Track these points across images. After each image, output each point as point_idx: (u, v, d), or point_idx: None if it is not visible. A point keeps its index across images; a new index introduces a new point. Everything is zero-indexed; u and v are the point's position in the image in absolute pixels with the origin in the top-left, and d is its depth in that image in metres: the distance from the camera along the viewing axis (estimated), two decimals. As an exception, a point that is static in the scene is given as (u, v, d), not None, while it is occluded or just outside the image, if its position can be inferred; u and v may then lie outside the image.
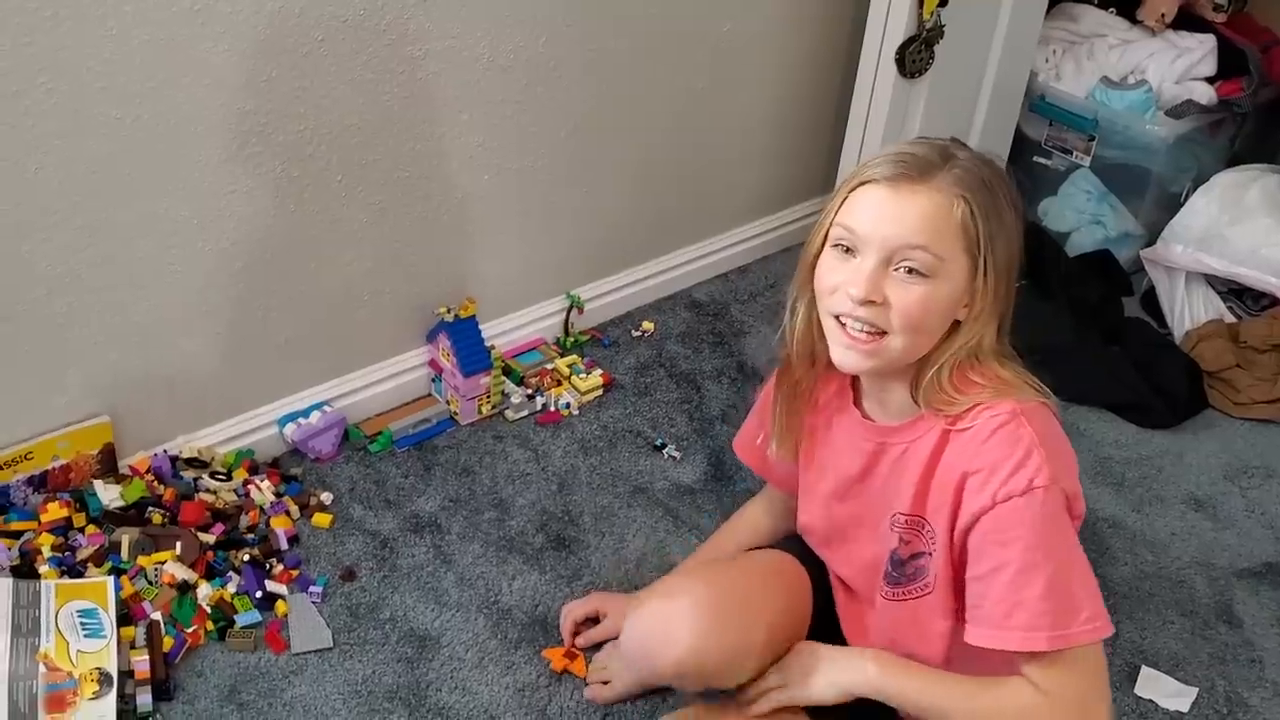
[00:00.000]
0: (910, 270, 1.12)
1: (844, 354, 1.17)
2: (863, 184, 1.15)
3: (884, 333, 1.14)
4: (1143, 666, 1.60)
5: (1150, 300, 2.42)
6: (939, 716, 1.20)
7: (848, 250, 1.15)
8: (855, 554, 1.34)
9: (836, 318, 1.16)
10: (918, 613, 1.24)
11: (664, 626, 1.29)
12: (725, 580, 1.37)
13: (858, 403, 1.29)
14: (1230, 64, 2.46)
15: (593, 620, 1.58)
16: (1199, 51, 2.42)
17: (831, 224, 1.17)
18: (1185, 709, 1.55)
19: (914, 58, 2.16)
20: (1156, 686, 1.58)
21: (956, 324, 1.16)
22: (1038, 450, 1.09)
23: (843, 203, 1.16)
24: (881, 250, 1.12)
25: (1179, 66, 2.42)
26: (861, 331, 1.14)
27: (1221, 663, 1.63)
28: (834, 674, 1.27)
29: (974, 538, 1.13)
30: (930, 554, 1.21)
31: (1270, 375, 2.15)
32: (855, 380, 1.29)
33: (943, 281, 1.12)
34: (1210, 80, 2.44)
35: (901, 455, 1.22)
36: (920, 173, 1.12)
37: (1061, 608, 1.10)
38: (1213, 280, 2.30)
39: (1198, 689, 1.58)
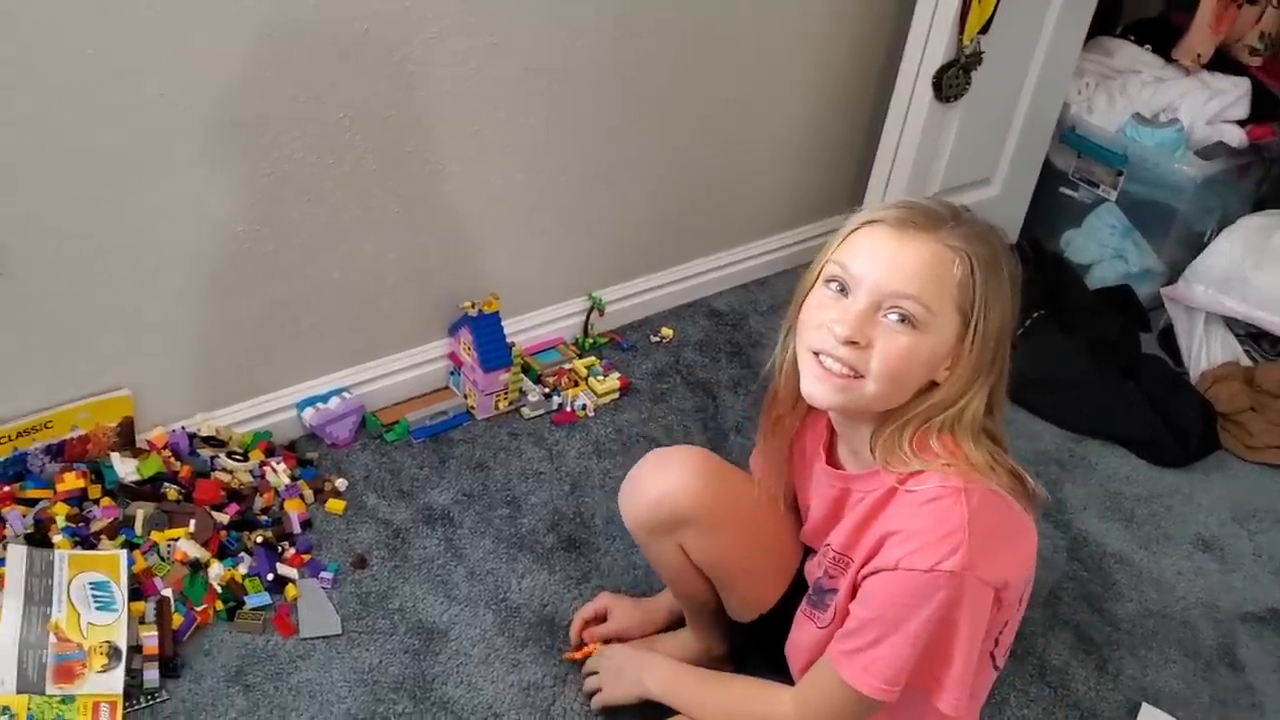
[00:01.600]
0: (900, 318, 1.10)
1: (815, 386, 1.15)
2: (868, 223, 1.14)
3: (860, 375, 1.12)
4: (1143, 704, 1.61)
5: (1168, 338, 2.43)
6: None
7: (841, 289, 1.13)
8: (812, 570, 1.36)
9: (815, 354, 1.14)
10: (818, 639, 1.26)
11: (658, 465, 1.38)
12: (723, 467, 1.40)
13: (832, 452, 1.30)
14: (1263, 108, 2.46)
15: (600, 620, 1.59)
16: (1233, 94, 2.43)
17: (828, 260, 1.16)
18: (1184, 750, 1.56)
19: (951, 82, 2.16)
20: (1157, 725, 1.59)
21: (933, 384, 1.15)
22: (962, 534, 1.07)
23: (845, 239, 1.15)
24: (874, 293, 1.11)
25: (1212, 107, 2.42)
26: (838, 368, 1.13)
27: (1222, 706, 1.64)
28: (636, 673, 1.41)
29: (867, 583, 1.15)
30: (838, 591, 1.22)
31: (1284, 421, 2.16)
32: (833, 433, 1.29)
33: (930, 335, 1.11)
34: (1242, 123, 2.44)
35: (859, 503, 1.21)
36: (927, 221, 1.11)
37: (878, 661, 1.13)
38: (1231, 322, 2.31)
39: (1197, 731, 1.59)
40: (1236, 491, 2.08)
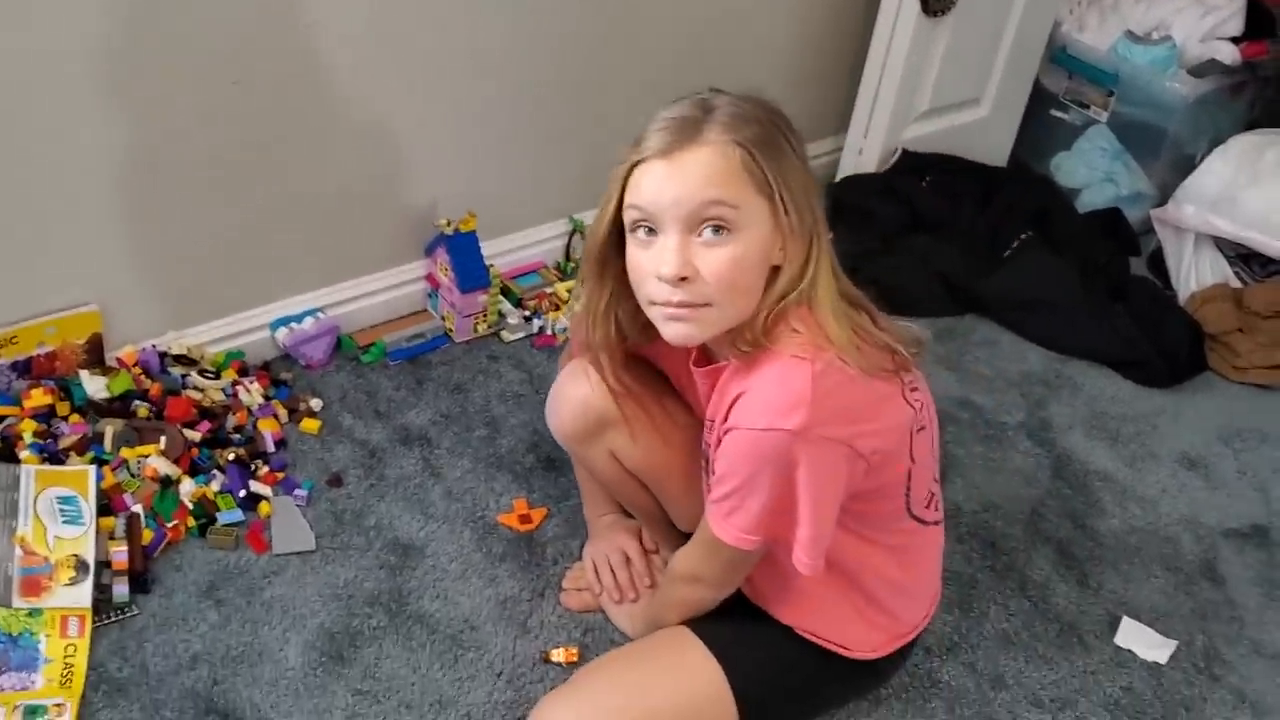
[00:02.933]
0: (715, 229, 1.09)
1: (674, 329, 1.13)
2: (638, 164, 1.11)
3: (707, 304, 1.11)
4: (1124, 617, 1.60)
5: (1157, 262, 2.40)
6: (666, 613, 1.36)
7: (649, 231, 1.11)
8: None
9: (658, 304, 1.13)
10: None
11: (573, 373, 1.36)
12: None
13: (700, 353, 1.28)
14: (1258, 25, 2.41)
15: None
16: (1226, 10, 2.38)
17: (618, 209, 1.13)
18: (1164, 660, 1.55)
19: (938, -5, 2.11)
20: (1137, 637, 1.58)
21: (776, 270, 1.14)
22: (803, 393, 1.07)
23: (624, 187, 1.13)
24: (678, 218, 1.09)
25: (1205, 24, 2.37)
26: (685, 310, 1.11)
27: (1202, 618, 1.63)
28: (626, 617, 1.47)
29: (723, 441, 1.16)
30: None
31: (1271, 341, 2.13)
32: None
33: (747, 232, 1.10)
34: (1236, 40, 2.39)
35: (724, 381, 1.21)
36: (686, 134, 1.09)
37: (735, 512, 1.16)
38: (1221, 244, 2.28)
39: (1177, 642, 1.58)
40: (1223, 411, 2.06)
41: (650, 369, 1.38)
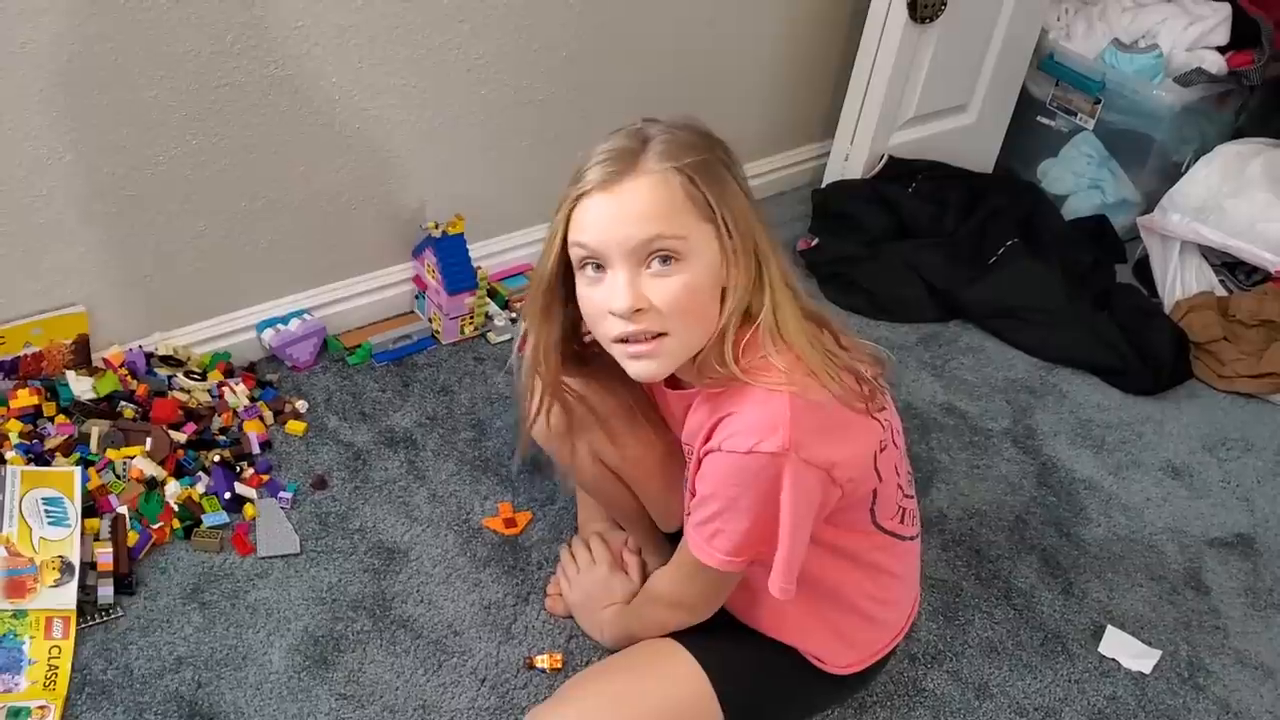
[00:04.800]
0: (664, 259, 1.08)
1: (637, 366, 1.13)
2: (579, 198, 1.11)
3: (664, 334, 1.11)
4: (1108, 626, 1.61)
5: (1143, 269, 2.41)
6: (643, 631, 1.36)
7: (598, 267, 1.11)
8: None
9: (618, 341, 1.12)
10: None
11: None
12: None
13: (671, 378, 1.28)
14: (1243, 35, 2.43)
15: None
16: (1213, 19, 2.39)
17: (564, 247, 1.13)
18: (1148, 670, 1.56)
19: (927, 2, 2.12)
20: (1121, 647, 1.58)
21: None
22: (781, 418, 1.08)
23: (567, 222, 1.12)
24: (625, 254, 1.08)
25: (1191, 33, 2.39)
26: (643, 340, 1.11)
27: (1187, 628, 1.64)
28: (598, 621, 1.46)
29: (704, 463, 1.16)
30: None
31: (1256, 350, 2.14)
32: None
33: (696, 259, 1.09)
34: (1222, 50, 2.41)
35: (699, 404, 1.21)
36: (625, 165, 1.08)
37: (718, 535, 1.16)
38: (1207, 252, 2.29)
39: (1161, 652, 1.58)
40: (1208, 420, 2.07)
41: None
